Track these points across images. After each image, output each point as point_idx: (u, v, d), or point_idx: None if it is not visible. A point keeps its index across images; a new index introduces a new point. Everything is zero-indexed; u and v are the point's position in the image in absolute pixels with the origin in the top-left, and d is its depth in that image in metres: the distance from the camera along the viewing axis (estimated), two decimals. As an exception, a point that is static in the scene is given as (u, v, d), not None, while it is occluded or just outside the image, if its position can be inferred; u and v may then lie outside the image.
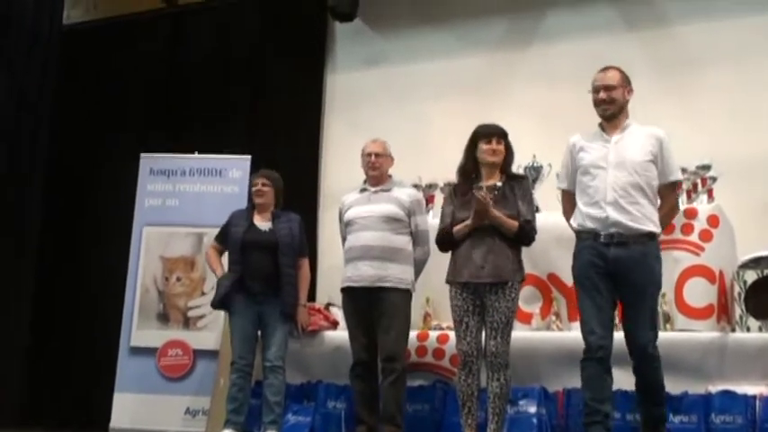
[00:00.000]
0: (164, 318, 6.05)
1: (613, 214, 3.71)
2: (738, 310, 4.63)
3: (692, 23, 6.02)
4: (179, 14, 7.84)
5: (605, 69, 3.96)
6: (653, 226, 3.75)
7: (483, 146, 4.28)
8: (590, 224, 3.80)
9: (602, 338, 3.70)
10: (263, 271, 4.89)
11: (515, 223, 4.14)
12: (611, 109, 3.88)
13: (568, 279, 5.02)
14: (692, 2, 6.09)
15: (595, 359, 3.72)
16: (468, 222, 4.16)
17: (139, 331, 6.01)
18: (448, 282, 4.27)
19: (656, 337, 3.77)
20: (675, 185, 3.98)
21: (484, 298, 4.13)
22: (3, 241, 6.86)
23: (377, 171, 4.74)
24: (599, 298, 3.75)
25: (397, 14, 7.11)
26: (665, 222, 3.92)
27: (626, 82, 3.94)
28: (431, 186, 5.73)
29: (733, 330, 4.61)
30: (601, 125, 3.95)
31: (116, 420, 5.80)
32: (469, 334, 4.15)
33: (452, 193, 4.42)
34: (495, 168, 4.30)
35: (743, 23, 5.86)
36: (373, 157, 4.73)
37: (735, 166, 5.10)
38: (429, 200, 5.67)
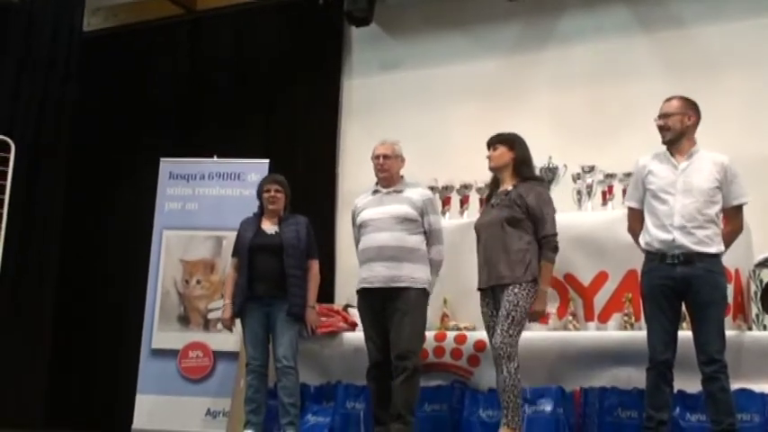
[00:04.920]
0: (184, 320, 6.14)
1: (680, 238, 3.96)
2: (755, 308, 4.65)
3: (707, 25, 6.04)
4: (197, 21, 7.93)
5: (668, 99, 4.19)
6: (716, 247, 3.99)
7: None
8: (657, 245, 4.04)
9: (663, 353, 3.97)
10: (270, 273, 4.93)
11: (548, 268, 4.25)
12: (667, 135, 4.13)
13: (585, 279, 5.09)
14: (706, 4, 6.10)
15: (657, 371, 3.99)
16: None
17: (160, 333, 6.10)
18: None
19: (723, 346, 3.93)
20: (739, 208, 4.14)
21: (498, 298, 4.25)
22: (25, 246, 6.96)
23: (386, 173, 4.75)
24: (663, 317, 4.02)
25: (412, 19, 7.16)
26: (728, 241, 4.11)
27: (687, 109, 4.14)
28: (447, 188, 5.77)
29: (749, 329, 4.62)
30: (668, 148, 4.16)
31: (138, 422, 5.88)
32: None
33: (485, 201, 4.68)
34: (504, 173, 4.45)
35: (757, 25, 5.87)
36: (381, 159, 4.75)
37: (750, 167, 5.08)
38: (445, 202, 5.72)
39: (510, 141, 4.46)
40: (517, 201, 4.27)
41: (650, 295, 4.07)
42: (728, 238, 4.10)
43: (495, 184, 4.54)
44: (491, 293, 4.31)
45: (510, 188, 4.37)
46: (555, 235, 4.29)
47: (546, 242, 4.26)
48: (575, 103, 6.33)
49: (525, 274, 4.20)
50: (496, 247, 4.26)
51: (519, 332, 4.18)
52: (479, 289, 4.39)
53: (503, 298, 4.19)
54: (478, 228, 4.45)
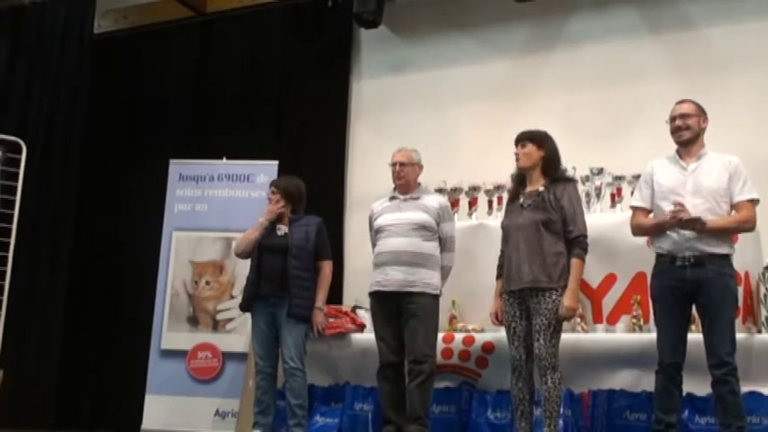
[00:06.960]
0: (193, 321, 6.16)
1: (691, 239, 3.95)
2: (764, 311, 4.63)
3: (716, 26, 6.03)
4: (208, 23, 7.95)
5: (681, 102, 4.20)
6: (726, 248, 3.99)
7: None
8: (667, 246, 4.03)
9: (672, 356, 3.97)
10: (275, 274, 4.94)
11: (578, 265, 4.18)
12: (686, 135, 4.12)
13: (593, 281, 5.08)
14: (715, 4, 6.09)
15: (666, 373, 3.99)
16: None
17: (170, 334, 6.13)
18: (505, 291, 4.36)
19: (734, 349, 3.91)
20: (750, 204, 4.03)
21: (528, 302, 4.20)
22: (37, 248, 7.01)
23: (402, 180, 4.80)
24: (673, 319, 4.01)
25: (421, 21, 7.17)
26: (734, 229, 4.06)
27: (701, 112, 4.16)
28: (455, 190, 5.77)
29: (759, 332, 4.61)
30: (678, 151, 4.16)
31: (147, 422, 5.91)
32: (517, 339, 4.24)
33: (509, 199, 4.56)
34: (533, 172, 4.35)
35: (766, 26, 5.85)
36: (398, 167, 4.80)
37: (760, 168, 5.08)
38: (454, 204, 5.71)
39: (539, 139, 4.36)
40: (552, 203, 4.22)
41: (660, 297, 4.06)
42: (731, 227, 4.02)
43: (519, 182, 4.43)
44: (519, 295, 4.23)
45: (541, 188, 4.29)
46: (586, 236, 4.24)
47: (577, 242, 4.21)
48: (584, 105, 6.33)
49: (561, 278, 4.17)
50: (532, 249, 4.19)
51: (559, 340, 4.18)
52: (508, 291, 4.29)
53: (538, 304, 4.14)
54: (509, 227, 4.35)
